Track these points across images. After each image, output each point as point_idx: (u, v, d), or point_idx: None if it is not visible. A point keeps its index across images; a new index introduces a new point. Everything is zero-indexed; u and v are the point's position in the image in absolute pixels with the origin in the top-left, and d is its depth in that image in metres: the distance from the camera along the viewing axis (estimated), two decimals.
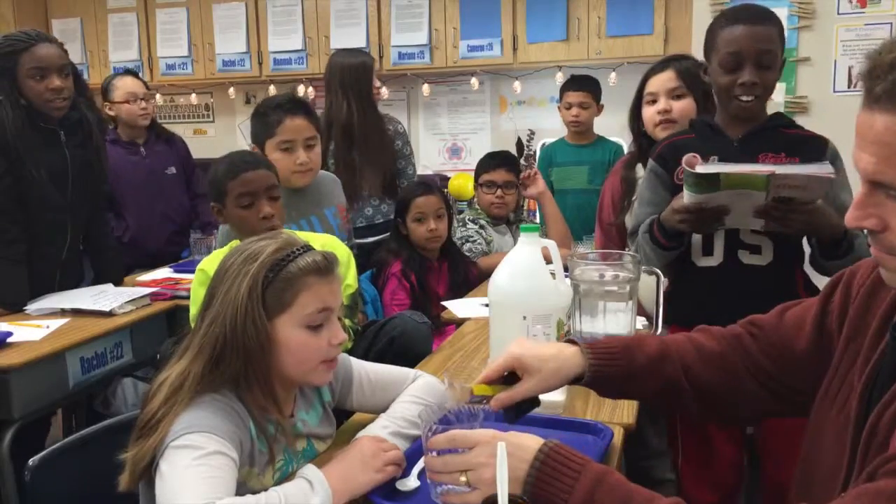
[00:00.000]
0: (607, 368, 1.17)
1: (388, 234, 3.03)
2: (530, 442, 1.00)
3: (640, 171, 2.31)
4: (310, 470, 1.11)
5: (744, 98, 1.69)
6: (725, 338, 1.20)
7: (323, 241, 1.83)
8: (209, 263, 1.75)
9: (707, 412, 1.24)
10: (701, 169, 1.55)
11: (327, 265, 1.20)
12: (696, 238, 1.78)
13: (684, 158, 1.59)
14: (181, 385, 1.13)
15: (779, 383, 1.16)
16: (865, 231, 0.89)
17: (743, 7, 1.74)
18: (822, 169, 1.53)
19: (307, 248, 1.20)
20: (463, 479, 1.02)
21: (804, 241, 1.78)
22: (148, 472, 1.10)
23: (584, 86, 3.51)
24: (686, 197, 1.64)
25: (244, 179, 1.86)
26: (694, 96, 2.17)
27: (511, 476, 0.94)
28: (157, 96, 4.96)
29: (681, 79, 2.17)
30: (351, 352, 1.74)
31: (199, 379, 1.13)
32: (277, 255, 1.16)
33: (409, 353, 2.00)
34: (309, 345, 1.19)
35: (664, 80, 2.19)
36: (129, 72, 3.53)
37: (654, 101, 2.21)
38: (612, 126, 4.45)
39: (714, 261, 1.77)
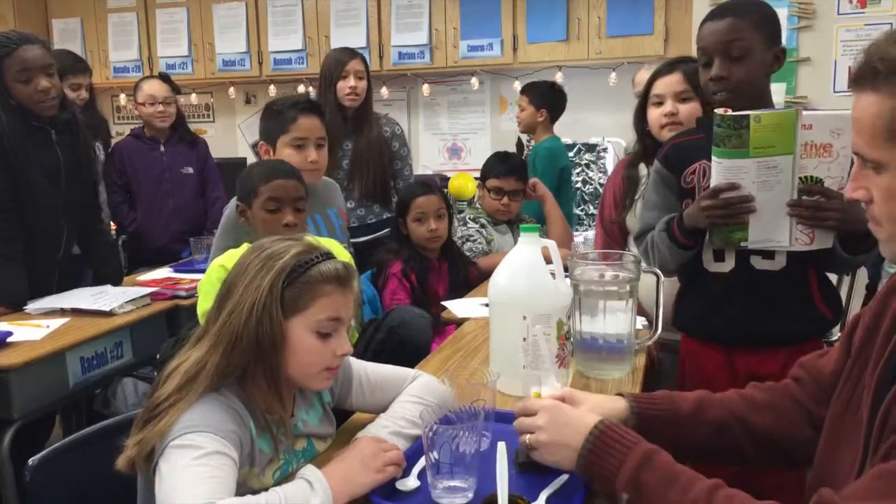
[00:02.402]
0: (649, 410, 1.21)
1: (381, 233, 3.04)
2: (588, 418, 1.08)
3: (642, 170, 2.31)
4: (310, 471, 1.11)
5: (717, 94, 1.70)
6: (773, 387, 1.23)
7: (336, 252, 1.86)
8: (228, 260, 1.77)
9: (768, 456, 1.22)
10: (732, 112, 1.58)
11: (347, 276, 1.21)
12: (708, 243, 1.75)
13: (716, 109, 1.61)
14: (197, 374, 1.13)
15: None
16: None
17: (718, 5, 1.75)
18: (845, 111, 1.55)
19: (329, 255, 1.22)
20: (526, 439, 1.13)
21: None
22: (147, 463, 1.10)
23: (525, 90, 3.80)
24: (714, 171, 1.63)
25: (276, 185, 1.92)
26: (701, 100, 2.16)
27: (566, 445, 1.06)
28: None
29: (688, 82, 2.15)
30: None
31: (216, 370, 1.13)
32: (301, 258, 1.18)
33: (408, 343, 2.03)
34: (316, 351, 1.20)
35: (672, 83, 2.17)
36: (159, 75, 3.73)
37: (660, 103, 2.18)
38: (612, 126, 4.47)
39: (726, 266, 1.74)
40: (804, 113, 1.56)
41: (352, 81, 3.07)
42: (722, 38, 1.67)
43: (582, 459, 1.04)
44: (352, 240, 2.94)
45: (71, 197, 2.58)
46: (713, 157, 1.63)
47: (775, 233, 1.64)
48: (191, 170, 3.59)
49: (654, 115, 2.19)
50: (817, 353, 1.23)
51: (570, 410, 1.10)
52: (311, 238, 1.26)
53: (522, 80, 4.68)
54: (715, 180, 1.64)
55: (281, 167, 2.01)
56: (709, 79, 1.70)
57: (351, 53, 3.16)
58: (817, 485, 1.07)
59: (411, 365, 1.88)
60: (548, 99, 3.74)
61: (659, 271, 1.77)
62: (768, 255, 1.70)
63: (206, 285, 1.84)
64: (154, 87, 3.50)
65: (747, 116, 1.56)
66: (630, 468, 0.99)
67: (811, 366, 1.21)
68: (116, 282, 2.82)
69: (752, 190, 1.61)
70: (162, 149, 3.53)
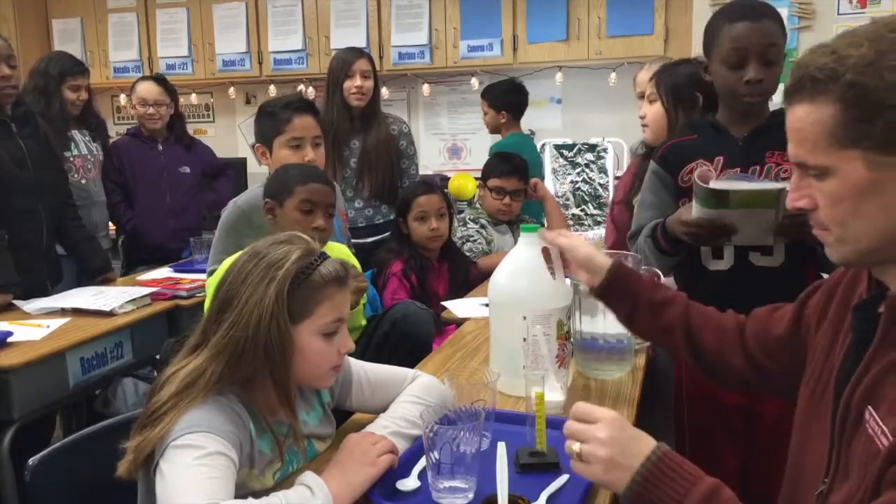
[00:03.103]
0: (623, 281, 1.36)
1: (388, 234, 3.04)
2: (647, 441, 0.99)
3: None
4: (309, 476, 1.11)
5: (749, 96, 1.66)
6: (726, 316, 1.34)
7: (344, 256, 1.87)
8: None
9: (699, 364, 1.35)
10: (714, 185, 1.54)
11: (345, 274, 1.22)
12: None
13: (697, 172, 1.58)
14: (194, 382, 1.13)
15: (760, 365, 1.26)
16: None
17: (742, 2, 1.70)
18: None
19: (325, 255, 1.22)
20: (576, 448, 1.00)
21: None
22: (147, 465, 1.10)
23: (483, 95, 3.88)
24: (695, 210, 1.62)
25: (313, 188, 1.96)
26: (662, 101, 2.15)
27: (623, 467, 0.96)
28: None
29: (654, 84, 2.17)
30: (355, 340, 1.76)
31: (217, 378, 1.13)
32: (302, 262, 1.17)
33: (411, 335, 2.06)
34: (323, 352, 1.21)
35: (648, 85, 2.22)
36: (154, 77, 3.71)
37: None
38: (612, 126, 4.47)
39: (724, 264, 1.73)
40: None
41: (358, 81, 3.07)
42: (763, 41, 1.62)
43: (635, 485, 0.95)
44: (359, 240, 2.95)
45: (42, 183, 2.63)
46: (693, 202, 1.62)
47: (759, 239, 1.65)
48: (188, 169, 3.60)
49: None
50: (771, 308, 1.27)
51: (631, 429, 1.01)
52: (304, 237, 1.25)
53: (522, 81, 4.68)
54: (696, 215, 1.62)
55: (318, 172, 2.05)
56: (744, 81, 1.63)
57: (358, 53, 3.17)
58: (791, 475, 1.09)
59: (413, 357, 1.89)
60: (505, 100, 3.79)
61: (659, 271, 1.77)
62: (767, 251, 1.70)
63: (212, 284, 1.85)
64: (146, 90, 3.51)
65: (727, 193, 1.53)
66: (695, 501, 0.92)
67: (763, 318, 1.27)
68: (104, 267, 2.88)
69: (734, 222, 1.60)
70: (160, 147, 3.55)
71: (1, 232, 2.50)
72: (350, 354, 1.31)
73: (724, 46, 1.65)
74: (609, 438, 0.98)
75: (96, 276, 2.88)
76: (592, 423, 1.00)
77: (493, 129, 3.88)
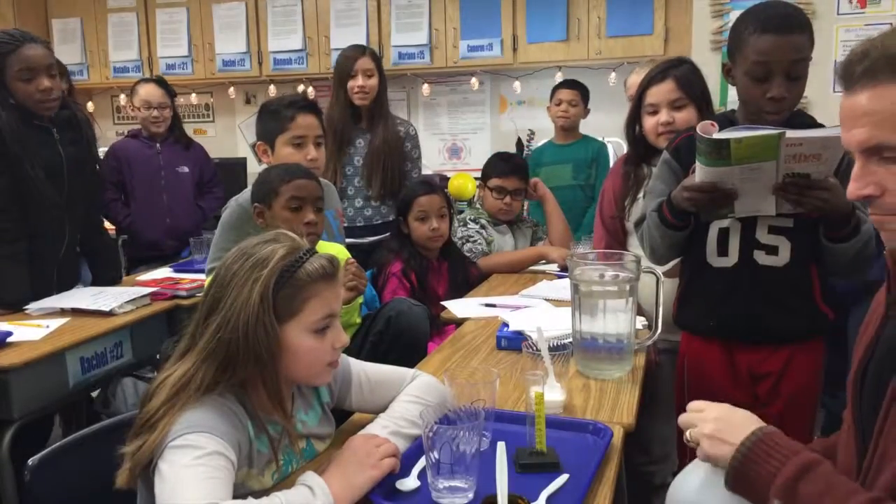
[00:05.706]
0: None
1: (386, 234, 3.04)
2: (755, 422, 1.06)
3: (646, 169, 2.30)
4: (310, 477, 1.11)
5: (771, 114, 1.63)
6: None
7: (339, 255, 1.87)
8: None
9: None
10: (716, 135, 1.52)
11: (333, 270, 1.21)
12: (711, 238, 1.74)
13: (699, 125, 1.55)
14: (185, 387, 1.12)
15: None
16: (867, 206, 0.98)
17: (773, 8, 1.64)
18: (836, 131, 1.51)
19: (311, 251, 1.21)
20: (687, 434, 1.12)
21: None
22: (146, 471, 1.10)
23: (576, 86, 3.70)
24: (698, 173, 1.61)
25: (298, 184, 1.95)
26: (695, 105, 2.14)
27: (727, 442, 1.04)
28: None
29: (681, 89, 2.12)
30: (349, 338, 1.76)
31: (210, 382, 1.13)
32: (286, 261, 1.16)
33: (406, 332, 2.06)
34: (316, 349, 1.19)
35: (665, 92, 2.13)
36: (156, 80, 3.70)
37: (655, 112, 2.15)
38: (612, 126, 4.45)
39: (729, 261, 1.73)
40: (789, 134, 1.49)
41: (360, 80, 3.08)
42: (790, 56, 1.58)
43: (736, 462, 1.02)
44: (357, 240, 2.95)
45: (73, 195, 2.58)
46: (697, 162, 1.61)
47: (761, 206, 1.64)
48: (186, 168, 3.63)
49: (650, 123, 2.17)
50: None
51: (740, 413, 1.09)
52: (290, 235, 1.24)
53: (522, 80, 4.70)
54: (699, 178, 1.62)
55: (300, 169, 2.04)
56: (768, 97, 1.60)
57: (360, 51, 3.16)
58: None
59: (410, 354, 1.89)
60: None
61: (659, 272, 1.77)
62: (772, 250, 1.70)
63: None
64: (150, 93, 3.52)
65: (728, 141, 1.51)
66: (787, 476, 0.96)
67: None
68: (114, 282, 2.84)
69: (735, 183, 1.59)
70: (158, 147, 3.57)
71: (21, 244, 2.46)
72: (345, 353, 1.30)
73: (749, 58, 1.61)
74: (715, 418, 1.08)
75: (104, 285, 2.86)
76: (701, 412, 1.10)
77: (573, 124, 3.70)
